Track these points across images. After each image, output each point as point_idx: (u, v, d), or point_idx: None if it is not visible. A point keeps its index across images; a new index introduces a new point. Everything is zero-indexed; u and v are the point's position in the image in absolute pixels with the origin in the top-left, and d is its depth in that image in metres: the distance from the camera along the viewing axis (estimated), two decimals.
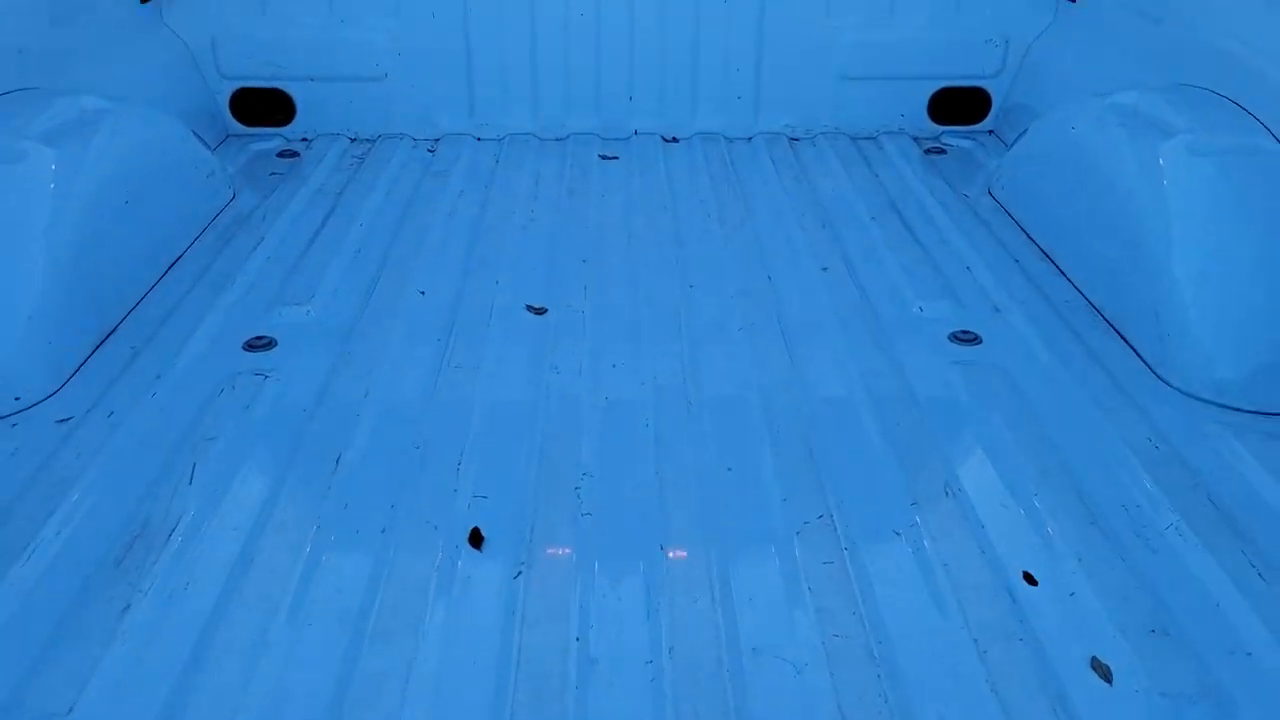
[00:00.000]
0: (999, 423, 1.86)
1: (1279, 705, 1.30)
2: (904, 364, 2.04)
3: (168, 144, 2.54)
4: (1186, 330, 1.97)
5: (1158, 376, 1.99)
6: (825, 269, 2.42)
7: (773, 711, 1.28)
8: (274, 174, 3.00)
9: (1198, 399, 1.92)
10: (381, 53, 3.18)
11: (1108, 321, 2.17)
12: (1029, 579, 1.50)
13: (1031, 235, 2.55)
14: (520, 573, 1.50)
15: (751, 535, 1.58)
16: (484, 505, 1.64)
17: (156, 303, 2.24)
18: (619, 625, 1.41)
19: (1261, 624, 1.41)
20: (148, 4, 3.01)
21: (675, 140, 3.26)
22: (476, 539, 1.57)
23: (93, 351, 2.04)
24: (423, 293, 2.31)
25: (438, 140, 3.22)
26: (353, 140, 3.23)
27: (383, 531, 1.58)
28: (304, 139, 3.23)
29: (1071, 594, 1.47)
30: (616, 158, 3.13)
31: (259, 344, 2.09)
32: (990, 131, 3.28)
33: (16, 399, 1.86)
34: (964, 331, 2.14)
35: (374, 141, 3.21)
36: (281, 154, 3.14)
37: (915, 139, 3.24)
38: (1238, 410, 1.88)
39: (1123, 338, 2.11)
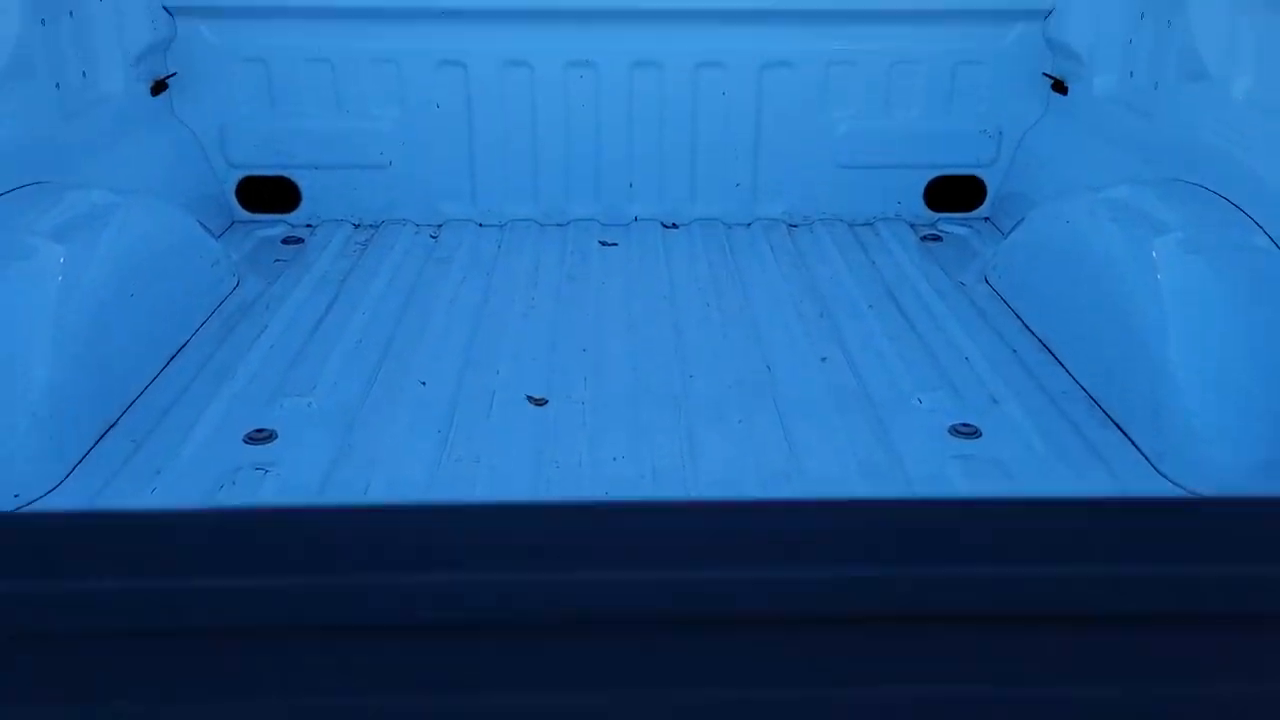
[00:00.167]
0: None
1: None
2: (902, 455, 2.05)
3: (174, 236, 2.58)
4: (1185, 424, 1.98)
5: (1156, 470, 1.99)
6: (824, 359, 2.44)
7: None
8: (278, 260, 3.03)
9: (1196, 494, 1.92)
10: (386, 141, 3.24)
11: (1105, 413, 2.19)
12: None
13: (1028, 324, 2.57)
14: None
15: None
16: None
17: (159, 393, 2.25)
18: None
19: None
20: (159, 96, 3.08)
21: (675, 226, 3.30)
22: None
23: (95, 444, 2.05)
24: (424, 383, 2.32)
25: (440, 226, 3.26)
26: (357, 226, 3.27)
27: None
28: (308, 225, 3.27)
29: None
30: (616, 244, 3.17)
31: (259, 437, 2.10)
32: (986, 219, 3.33)
33: (16, 496, 1.86)
34: (964, 425, 2.15)
35: (378, 227, 3.26)
36: (286, 240, 3.18)
37: (912, 225, 3.29)
38: None
39: (1121, 430, 2.12)
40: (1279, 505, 0.91)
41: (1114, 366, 2.18)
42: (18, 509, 1.85)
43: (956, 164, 3.30)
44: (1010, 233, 2.90)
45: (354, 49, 3.15)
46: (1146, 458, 2.03)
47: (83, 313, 2.08)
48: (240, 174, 3.25)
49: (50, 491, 1.90)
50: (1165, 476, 1.97)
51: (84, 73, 2.71)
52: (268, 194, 3.27)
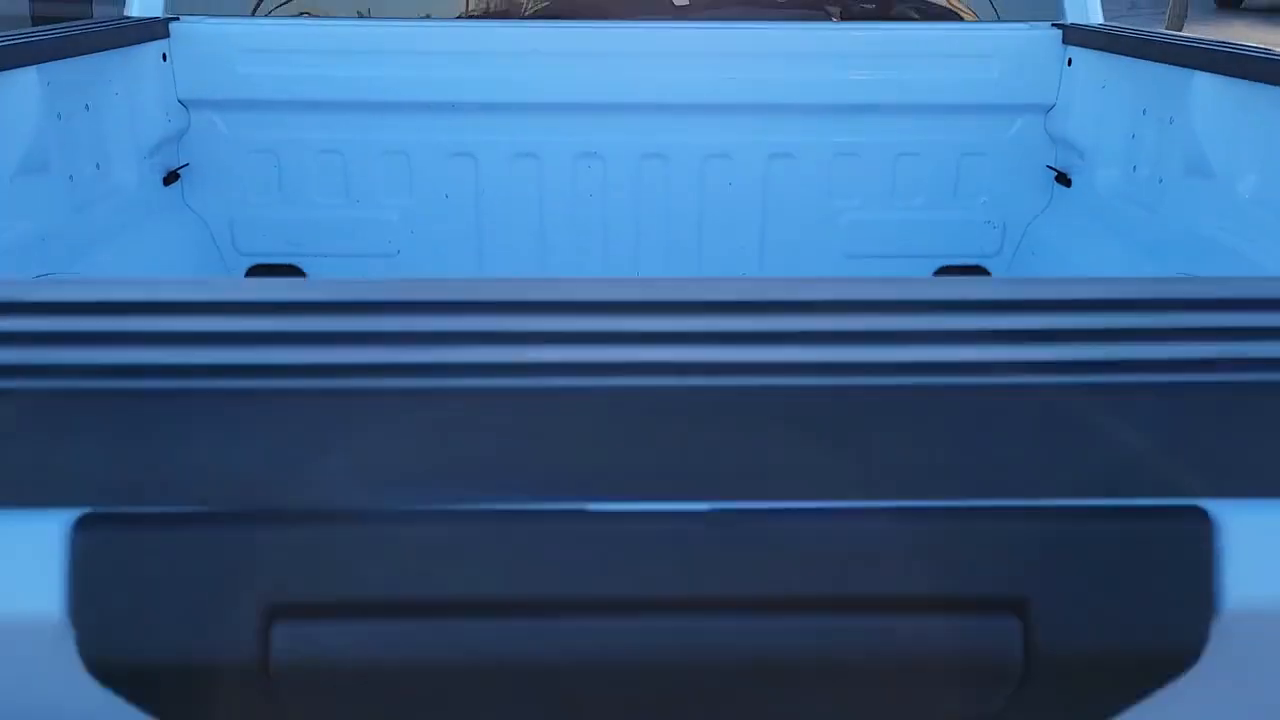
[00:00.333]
0: None
1: None
2: None
3: None
4: None
5: None
6: None
7: None
8: None
9: None
10: (395, 231, 3.26)
11: None
12: None
13: None
14: None
15: None
16: None
17: None
18: None
19: None
20: (171, 185, 3.11)
21: None
22: None
23: None
24: None
25: None
26: None
27: None
28: None
29: None
30: None
31: None
32: None
33: None
34: None
35: None
36: None
37: None
38: None
39: None
40: None
41: None
42: None
43: (961, 254, 3.31)
44: None
45: (364, 140, 3.19)
46: None
47: None
48: (249, 262, 3.27)
49: None
50: None
51: (97, 164, 2.74)
52: None
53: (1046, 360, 0.80)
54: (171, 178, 3.11)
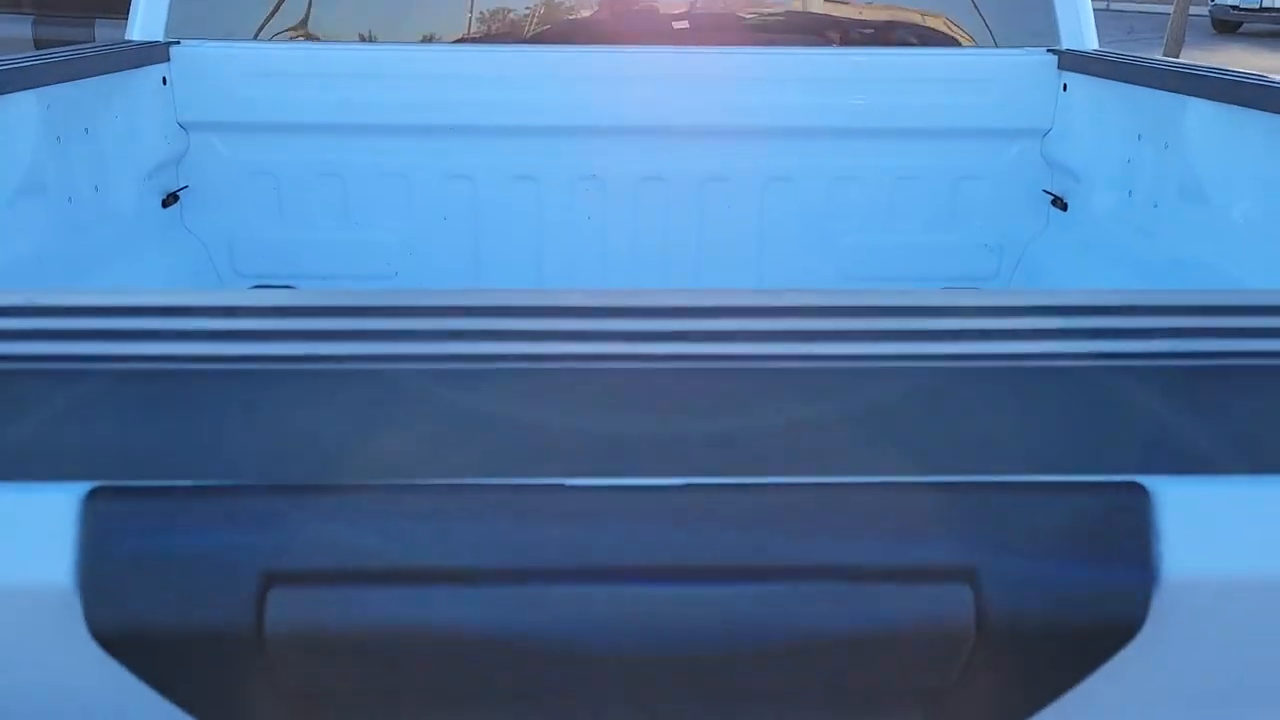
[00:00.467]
0: None
1: None
2: None
3: None
4: None
5: None
6: None
7: None
8: None
9: None
10: (393, 252, 3.27)
11: None
12: None
13: None
14: None
15: None
16: None
17: None
18: None
19: None
20: (169, 207, 3.12)
21: None
22: None
23: None
24: None
25: None
26: None
27: None
28: None
29: None
30: None
31: None
32: None
33: None
34: None
35: None
36: None
37: None
38: None
39: None
40: None
41: None
42: None
43: (959, 277, 3.32)
44: None
45: (363, 163, 3.20)
46: None
47: None
48: (248, 283, 3.28)
49: None
50: None
51: (96, 186, 2.76)
52: None
53: (996, 352, 0.86)
54: (170, 199, 3.12)
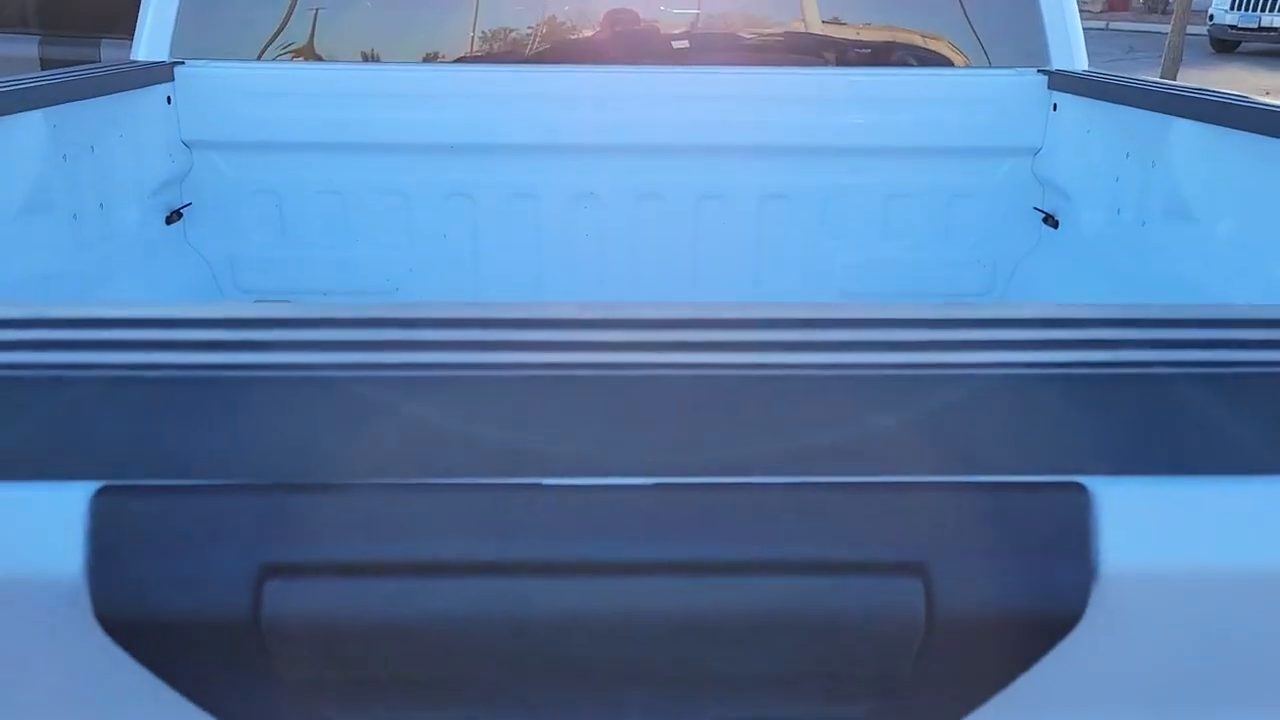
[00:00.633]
0: None
1: None
2: None
3: None
4: None
5: None
6: None
7: None
8: None
9: None
10: (393, 269, 3.31)
11: None
12: None
13: None
14: None
15: None
16: None
17: None
18: None
19: None
20: (173, 224, 3.17)
21: None
22: None
23: None
24: None
25: None
26: None
27: None
28: None
29: None
30: None
31: None
32: None
33: None
34: None
35: None
36: None
37: None
38: None
39: None
40: None
41: None
42: None
43: (951, 293, 3.36)
44: None
45: (364, 181, 3.25)
46: None
47: None
48: (250, 298, 3.32)
49: None
50: None
51: (101, 204, 2.80)
52: None
53: (948, 361, 0.92)
54: (174, 217, 3.17)
